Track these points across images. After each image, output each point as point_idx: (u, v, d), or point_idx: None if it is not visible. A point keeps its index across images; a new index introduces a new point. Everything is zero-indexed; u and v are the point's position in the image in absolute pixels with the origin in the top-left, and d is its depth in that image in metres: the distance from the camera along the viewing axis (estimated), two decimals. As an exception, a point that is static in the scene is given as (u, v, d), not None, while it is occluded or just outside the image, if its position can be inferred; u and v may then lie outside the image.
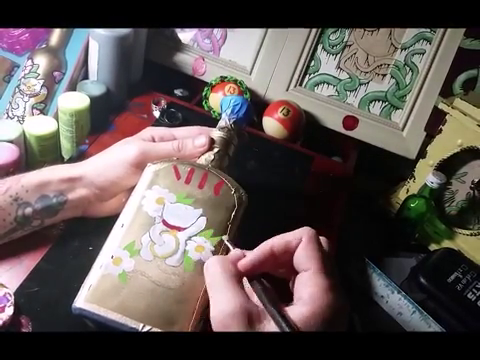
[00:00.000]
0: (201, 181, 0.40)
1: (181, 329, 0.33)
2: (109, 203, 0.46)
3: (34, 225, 0.44)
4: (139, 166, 0.43)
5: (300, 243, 0.33)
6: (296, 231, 0.34)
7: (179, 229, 0.37)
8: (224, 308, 0.30)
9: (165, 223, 0.37)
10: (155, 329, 0.32)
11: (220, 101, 0.48)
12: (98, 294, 0.34)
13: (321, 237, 0.35)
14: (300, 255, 0.33)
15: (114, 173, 0.44)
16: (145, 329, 0.32)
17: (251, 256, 0.33)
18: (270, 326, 0.30)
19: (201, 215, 0.38)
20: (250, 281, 0.33)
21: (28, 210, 0.42)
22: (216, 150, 0.44)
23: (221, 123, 0.46)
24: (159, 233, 0.37)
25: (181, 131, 0.47)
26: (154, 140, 0.46)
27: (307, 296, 0.31)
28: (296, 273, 0.33)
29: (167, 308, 0.33)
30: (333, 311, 0.31)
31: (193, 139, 0.45)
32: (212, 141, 0.44)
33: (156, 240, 0.36)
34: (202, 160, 0.43)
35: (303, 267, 0.33)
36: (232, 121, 0.46)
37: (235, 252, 0.35)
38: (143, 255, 0.35)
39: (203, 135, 0.45)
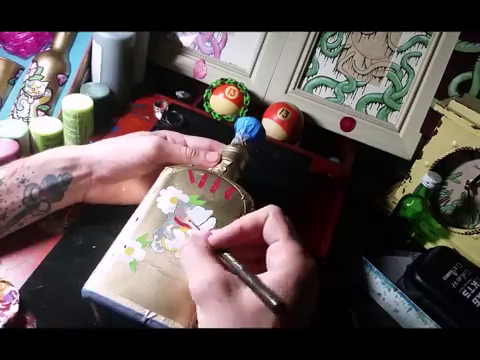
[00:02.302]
0: (213, 186, 0.42)
1: (185, 319, 0.33)
2: (109, 189, 0.47)
3: (42, 209, 0.44)
4: (151, 158, 0.45)
5: (267, 217, 0.35)
6: (262, 208, 0.36)
7: (189, 227, 0.39)
8: (201, 279, 0.31)
9: (177, 220, 0.39)
10: (160, 316, 0.33)
11: (235, 122, 0.51)
12: (108, 280, 0.35)
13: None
14: (269, 227, 0.35)
15: (126, 158, 0.45)
16: (150, 315, 0.33)
17: (220, 231, 0.35)
18: (246, 291, 0.31)
19: (211, 216, 0.40)
20: (221, 254, 0.34)
21: (35, 191, 0.43)
22: (228, 163, 0.46)
23: (235, 140, 0.49)
24: (171, 228, 0.38)
25: (193, 140, 0.49)
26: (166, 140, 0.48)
27: (278, 263, 0.33)
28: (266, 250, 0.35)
29: (173, 297, 0.34)
30: (304, 271, 0.32)
31: (206, 153, 0.47)
32: (221, 157, 0.47)
33: (167, 234, 0.38)
34: (214, 171, 0.45)
35: (273, 238, 0.34)
36: (245, 139, 0.48)
37: (204, 231, 0.36)
38: (154, 247, 0.37)
39: (215, 152, 0.47)
